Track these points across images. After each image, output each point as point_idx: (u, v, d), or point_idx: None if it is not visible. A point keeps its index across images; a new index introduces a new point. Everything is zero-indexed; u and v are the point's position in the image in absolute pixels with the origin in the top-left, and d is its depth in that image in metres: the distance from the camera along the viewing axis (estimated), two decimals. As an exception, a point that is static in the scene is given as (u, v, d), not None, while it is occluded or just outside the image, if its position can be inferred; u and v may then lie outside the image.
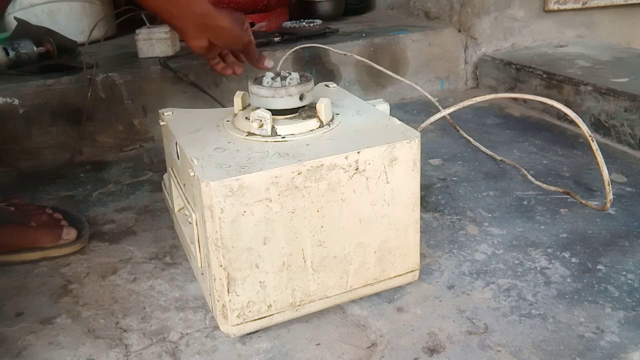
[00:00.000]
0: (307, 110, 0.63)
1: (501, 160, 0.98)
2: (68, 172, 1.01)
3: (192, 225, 0.59)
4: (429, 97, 1.09)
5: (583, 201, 0.82)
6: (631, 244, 0.73)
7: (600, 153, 0.74)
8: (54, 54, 1.10)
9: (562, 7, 1.40)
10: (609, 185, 0.75)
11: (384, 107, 0.70)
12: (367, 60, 1.06)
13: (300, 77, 0.63)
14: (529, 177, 0.90)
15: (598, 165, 0.74)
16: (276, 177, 0.54)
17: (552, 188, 0.87)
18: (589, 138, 0.74)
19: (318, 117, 0.62)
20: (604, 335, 0.58)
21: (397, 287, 0.66)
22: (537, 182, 0.89)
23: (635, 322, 0.60)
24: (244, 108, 0.66)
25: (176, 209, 0.72)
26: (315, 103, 0.63)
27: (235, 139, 0.61)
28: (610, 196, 0.75)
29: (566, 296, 0.64)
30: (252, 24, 1.39)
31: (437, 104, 1.09)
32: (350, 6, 1.67)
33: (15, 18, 1.18)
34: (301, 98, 0.62)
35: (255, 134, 0.60)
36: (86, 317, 0.64)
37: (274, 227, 0.55)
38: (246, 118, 0.62)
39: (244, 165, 0.54)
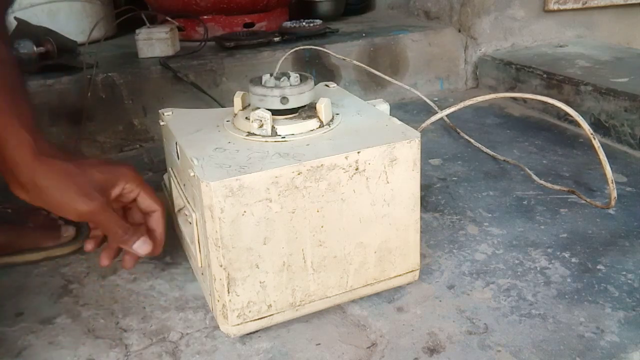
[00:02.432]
0: (307, 110, 0.63)
1: (504, 160, 0.98)
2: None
3: (192, 225, 0.59)
4: (427, 100, 1.09)
5: (588, 200, 0.81)
6: (631, 244, 0.73)
7: (602, 150, 0.74)
8: (54, 54, 1.10)
9: (562, 7, 1.40)
10: (612, 182, 0.74)
11: (384, 107, 0.70)
12: (364, 65, 1.05)
13: (300, 77, 0.63)
14: (533, 176, 0.90)
15: (600, 163, 0.74)
16: (276, 177, 0.54)
17: (557, 187, 0.87)
18: (591, 136, 0.74)
19: (318, 117, 0.62)
20: (604, 335, 0.58)
21: (397, 287, 0.66)
22: (541, 182, 0.88)
23: (635, 322, 0.60)
24: (244, 108, 0.66)
25: (176, 209, 0.72)
26: (315, 103, 0.63)
27: (235, 139, 0.61)
28: (614, 194, 0.74)
29: (566, 296, 0.64)
30: (251, 24, 1.39)
31: (434, 106, 1.09)
32: (350, 6, 1.66)
33: (15, 18, 1.18)
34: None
35: (255, 134, 0.60)
36: (86, 317, 0.64)
37: (274, 227, 0.55)
38: (246, 118, 0.62)
39: (244, 165, 0.54)
